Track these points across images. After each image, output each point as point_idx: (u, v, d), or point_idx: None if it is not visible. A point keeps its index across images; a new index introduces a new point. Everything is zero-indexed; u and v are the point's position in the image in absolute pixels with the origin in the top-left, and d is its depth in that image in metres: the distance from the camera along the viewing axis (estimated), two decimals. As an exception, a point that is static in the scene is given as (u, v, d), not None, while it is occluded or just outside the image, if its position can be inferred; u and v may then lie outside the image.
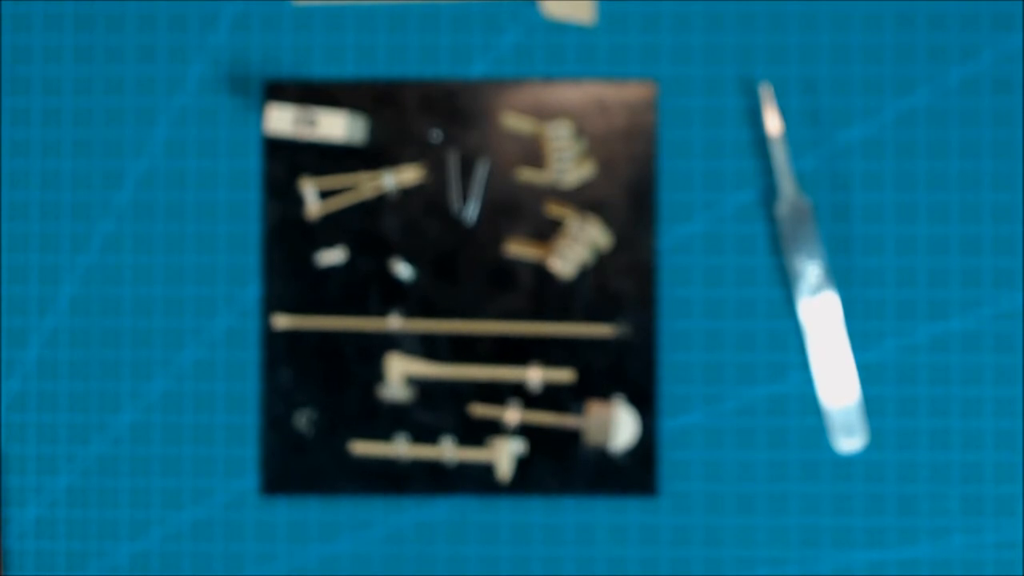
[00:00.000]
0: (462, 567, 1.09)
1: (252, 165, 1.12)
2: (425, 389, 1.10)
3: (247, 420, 1.11)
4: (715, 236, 1.09)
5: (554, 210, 1.10)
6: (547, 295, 1.09)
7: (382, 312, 1.10)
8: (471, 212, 1.10)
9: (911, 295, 1.08)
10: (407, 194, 1.10)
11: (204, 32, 1.12)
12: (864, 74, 1.09)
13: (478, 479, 1.09)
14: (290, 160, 1.11)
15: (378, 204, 1.11)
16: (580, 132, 1.10)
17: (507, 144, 1.10)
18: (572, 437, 1.09)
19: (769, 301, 1.09)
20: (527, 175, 1.10)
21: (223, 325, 1.11)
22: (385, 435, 1.10)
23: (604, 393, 1.09)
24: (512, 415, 1.08)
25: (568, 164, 1.09)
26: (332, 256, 1.10)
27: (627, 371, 1.09)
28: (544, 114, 1.10)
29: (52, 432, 1.11)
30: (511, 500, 1.09)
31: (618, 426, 1.07)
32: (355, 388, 1.10)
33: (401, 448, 1.09)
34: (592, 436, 1.07)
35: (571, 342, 1.09)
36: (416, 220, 1.10)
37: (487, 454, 1.09)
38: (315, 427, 1.10)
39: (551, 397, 1.09)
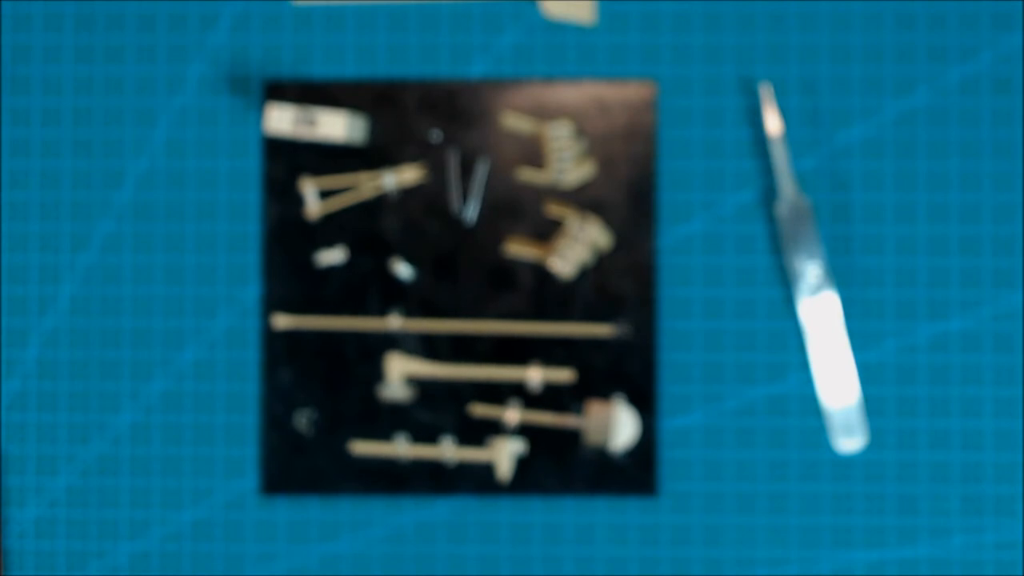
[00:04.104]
0: (462, 567, 1.09)
1: (252, 165, 1.12)
2: (425, 389, 1.10)
3: (247, 420, 1.11)
4: (715, 236, 1.09)
5: (554, 210, 1.10)
6: (547, 295, 1.09)
7: (382, 312, 1.10)
8: (471, 212, 1.10)
9: (911, 295, 1.08)
10: (407, 194, 1.10)
11: (204, 32, 1.12)
12: (864, 74, 1.09)
13: (478, 479, 1.09)
14: (290, 160, 1.11)
15: (378, 204, 1.11)
16: (580, 132, 1.10)
17: (507, 144, 1.10)
18: (572, 437, 1.09)
19: (769, 301, 1.09)
20: (527, 175, 1.10)
21: (223, 325, 1.11)
22: (385, 435, 1.10)
23: (604, 393, 1.09)
24: (512, 415, 1.08)
25: (568, 164, 1.09)
26: (332, 256, 1.10)
27: (627, 371, 1.09)
28: (544, 114, 1.10)
29: (52, 432, 1.11)
30: (511, 500, 1.09)
31: (618, 426, 1.07)
32: (355, 388, 1.10)
33: (401, 448, 1.09)
34: (592, 436, 1.07)
35: (571, 342, 1.09)
36: (416, 220, 1.10)
37: (487, 454, 1.09)
38: (315, 427, 1.10)
39: (551, 397, 1.09)
